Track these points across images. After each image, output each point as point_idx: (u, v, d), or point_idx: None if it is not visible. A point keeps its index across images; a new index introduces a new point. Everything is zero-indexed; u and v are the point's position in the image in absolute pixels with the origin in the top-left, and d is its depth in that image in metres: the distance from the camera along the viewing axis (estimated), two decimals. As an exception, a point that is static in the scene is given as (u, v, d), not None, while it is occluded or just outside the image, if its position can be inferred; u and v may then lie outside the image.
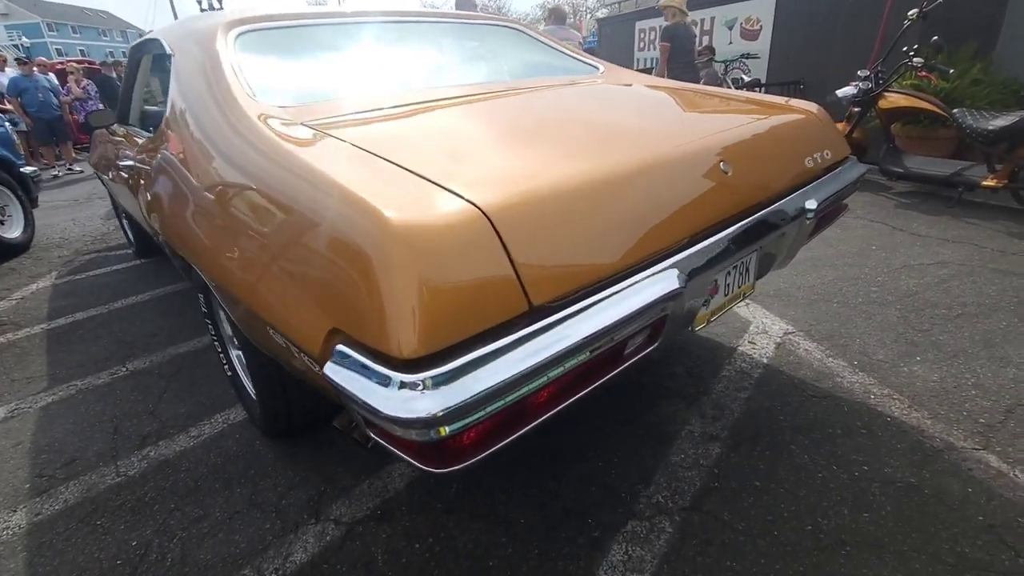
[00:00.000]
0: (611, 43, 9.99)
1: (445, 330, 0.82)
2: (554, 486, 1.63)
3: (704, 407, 1.92)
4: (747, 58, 6.62)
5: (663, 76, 5.73)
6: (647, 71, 7.53)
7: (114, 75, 10.07)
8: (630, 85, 2.06)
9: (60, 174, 8.53)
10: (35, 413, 2.20)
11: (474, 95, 1.64)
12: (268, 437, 1.92)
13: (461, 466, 0.89)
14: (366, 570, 1.41)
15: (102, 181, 3.92)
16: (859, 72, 4.42)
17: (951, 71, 4.01)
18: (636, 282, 1.03)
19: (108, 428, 2.07)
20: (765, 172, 1.47)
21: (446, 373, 0.80)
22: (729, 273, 1.42)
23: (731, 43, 6.85)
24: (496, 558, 1.42)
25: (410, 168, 1.03)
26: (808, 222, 1.55)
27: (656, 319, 1.09)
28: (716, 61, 6.40)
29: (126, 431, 2.05)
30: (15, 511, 1.69)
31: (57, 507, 1.69)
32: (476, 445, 0.92)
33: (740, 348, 2.27)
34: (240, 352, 1.80)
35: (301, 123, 1.38)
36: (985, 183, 3.64)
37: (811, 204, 1.54)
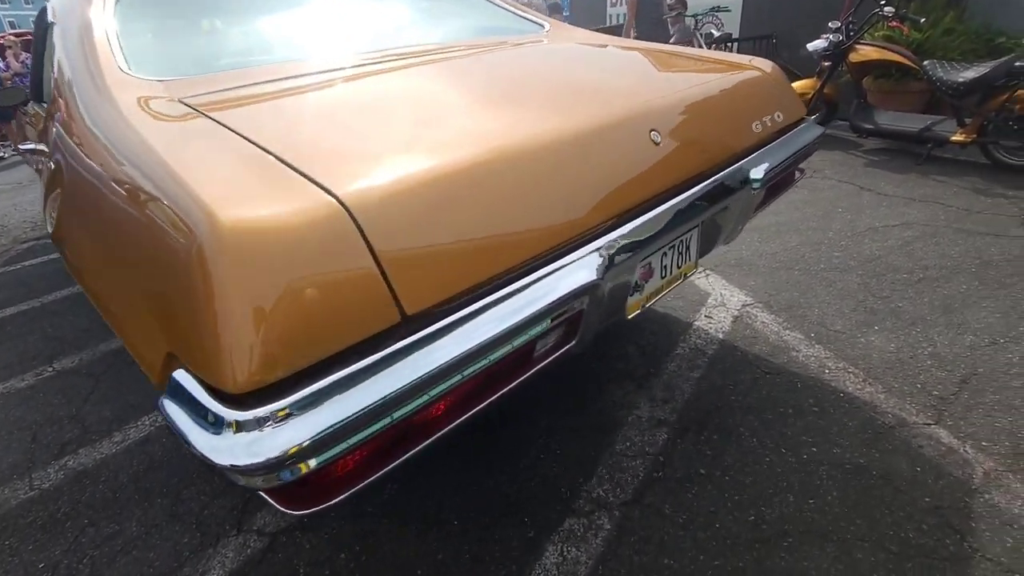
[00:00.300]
0: (582, -1, 9.57)
1: (293, 353, 0.69)
2: (492, 483, 1.54)
3: (654, 389, 1.83)
4: (718, 11, 6.35)
5: (630, 32, 5.48)
6: (615, 29, 7.23)
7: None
8: (570, 45, 1.88)
9: (4, 155, 8.06)
10: (-52, 423, 2.05)
11: (384, 64, 1.46)
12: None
13: (339, 499, 0.79)
14: (286, 585, 1.32)
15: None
16: (830, 24, 4.23)
17: (922, 20, 3.85)
18: (540, 277, 0.91)
19: (26, 436, 1.94)
20: (704, 140, 1.34)
21: (294, 404, 0.68)
22: (666, 254, 1.31)
23: (703, -5, 6.56)
24: (425, 565, 1.34)
25: (276, 153, 0.88)
26: (754, 192, 1.43)
27: (569, 316, 0.98)
28: (687, 16, 6.13)
29: (45, 439, 1.91)
30: (-86, 535, 1.57)
31: (-39, 528, 1.57)
32: (357, 473, 0.81)
33: (696, 323, 2.18)
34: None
35: (178, 99, 1.20)
36: (954, 138, 3.54)
37: (756, 174, 1.42)
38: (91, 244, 1.07)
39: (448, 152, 0.90)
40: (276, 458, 0.65)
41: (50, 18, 1.76)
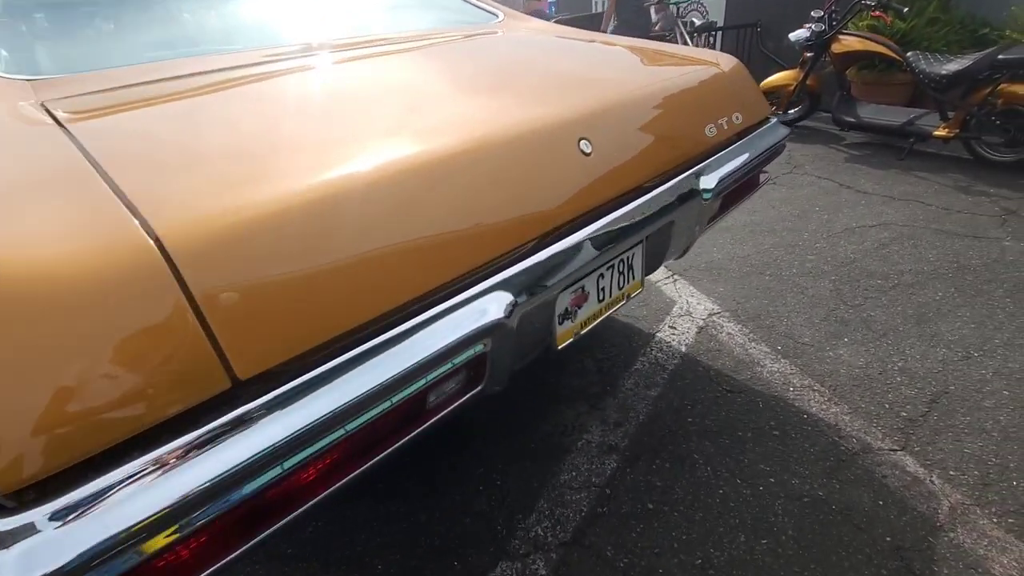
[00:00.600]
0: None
1: (82, 433, 0.56)
2: (424, 517, 1.42)
3: (608, 410, 1.71)
4: (703, -2, 6.18)
5: (610, 19, 5.31)
6: (597, 17, 7.05)
7: None
8: (511, 40, 1.73)
9: None
10: None
11: (303, 60, 1.31)
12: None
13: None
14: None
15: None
16: (812, 13, 4.08)
17: (906, 9, 3.72)
18: (427, 320, 0.78)
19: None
20: (646, 147, 1.20)
21: (75, 504, 0.54)
22: (603, 275, 1.18)
23: (687, -19, 6.37)
24: (341, 617, 1.22)
25: (108, 172, 0.74)
26: (706, 203, 1.30)
27: (469, 361, 0.84)
28: (671, 3, 5.95)
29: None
30: None
31: None
32: (208, 553, 0.68)
33: (659, 334, 2.06)
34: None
35: (41, 102, 1.04)
36: (937, 133, 3.42)
37: (708, 183, 1.29)
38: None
39: (315, 171, 0.76)
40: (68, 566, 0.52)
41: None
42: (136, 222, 0.64)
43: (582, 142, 1.06)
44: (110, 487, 0.57)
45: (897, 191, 3.15)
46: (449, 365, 0.81)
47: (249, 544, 0.71)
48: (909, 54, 3.56)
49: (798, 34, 4.15)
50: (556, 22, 7.76)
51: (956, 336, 1.90)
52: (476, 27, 1.90)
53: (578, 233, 1.02)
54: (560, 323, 1.11)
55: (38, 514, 0.54)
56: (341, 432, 0.69)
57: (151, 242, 0.62)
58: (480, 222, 0.87)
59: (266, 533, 0.72)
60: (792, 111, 4.66)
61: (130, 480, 0.57)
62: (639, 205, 1.13)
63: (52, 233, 0.62)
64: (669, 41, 5.91)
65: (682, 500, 1.40)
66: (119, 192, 0.70)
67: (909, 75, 3.73)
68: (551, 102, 1.10)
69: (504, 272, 0.89)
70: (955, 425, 1.54)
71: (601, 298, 1.20)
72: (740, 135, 1.50)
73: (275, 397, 0.65)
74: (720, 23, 6.04)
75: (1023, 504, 1.31)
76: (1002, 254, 2.37)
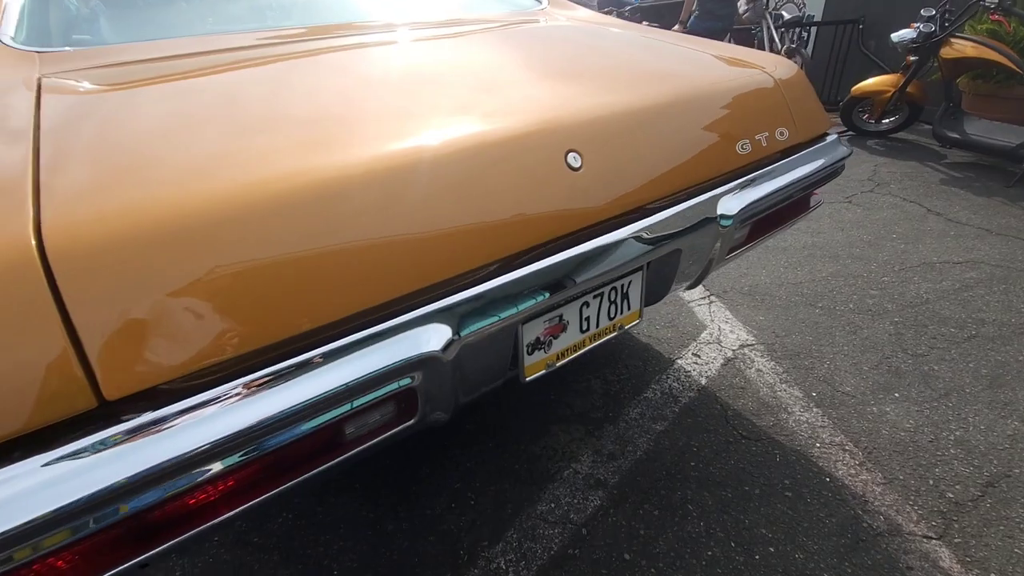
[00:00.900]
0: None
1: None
2: (391, 528, 1.37)
3: (604, 440, 1.59)
4: (801, -12, 5.64)
5: (690, 8, 4.96)
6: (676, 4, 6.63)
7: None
8: (545, 29, 1.60)
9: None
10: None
11: (325, 41, 1.26)
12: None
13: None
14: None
15: None
16: (922, 11, 3.60)
17: (1035, 13, 3.19)
18: (342, 348, 0.70)
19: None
20: (652, 164, 1.05)
21: None
22: (588, 304, 1.05)
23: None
24: (286, 620, 1.20)
25: (40, 160, 0.71)
26: (724, 230, 1.14)
27: (395, 392, 0.76)
28: (765, -8, 5.48)
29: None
30: None
31: None
32: (85, 567, 0.65)
33: (679, 361, 1.90)
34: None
35: (39, 76, 1.05)
36: (1058, 160, 2.94)
37: (728, 208, 1.13)
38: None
39: (249, 168, 0.70)
40: None
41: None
42: (30, 212, 0.61)
43: (570, 155, 0.94)
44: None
45: (996, 224, 2.73)
46: (369, 397, 0.74)
47: (148, 554, 0.68)
48: (1034, 65, 3.06)
49: (902, 34, 3.70)
50: (636, 9, 7.39)
51: (1036, 408, 1.60)
52: (516, 14, 1.79)
53: (550, 258, 0.90)
54: (529, 353, 1.00)
55: None
56: (238, 458, 0.64)
57: (32, 239, 0.58)
58: (429, 238, 0.78)
59: (166, 546, 0.69)
60: (887, 120, 4.18)
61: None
62: (634, 230, 1.00)
63: None
64: (754, 35, 5.46)
65: (663, 555, 1.26)
66: (36, 177, 0.67)
67: (1032, 90, 3.22)
68: (544, 107, 0.98)
69: (451, 297, 0.80)
70: (1011, 518, 1.30)
71: (585, 328, 1.08)
72: (785, 153, 1.31)
73: (147, 422, 0.60)
74: (817, 17, 5.51)
75: (1084, 633, 1.07)
76: (1118, 313, 1.99)
